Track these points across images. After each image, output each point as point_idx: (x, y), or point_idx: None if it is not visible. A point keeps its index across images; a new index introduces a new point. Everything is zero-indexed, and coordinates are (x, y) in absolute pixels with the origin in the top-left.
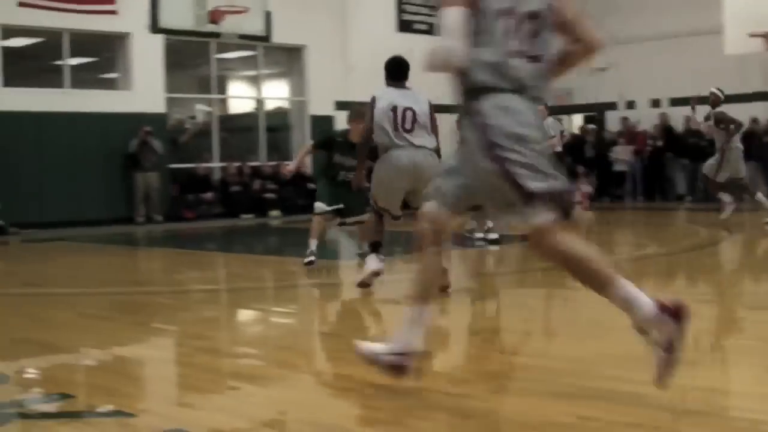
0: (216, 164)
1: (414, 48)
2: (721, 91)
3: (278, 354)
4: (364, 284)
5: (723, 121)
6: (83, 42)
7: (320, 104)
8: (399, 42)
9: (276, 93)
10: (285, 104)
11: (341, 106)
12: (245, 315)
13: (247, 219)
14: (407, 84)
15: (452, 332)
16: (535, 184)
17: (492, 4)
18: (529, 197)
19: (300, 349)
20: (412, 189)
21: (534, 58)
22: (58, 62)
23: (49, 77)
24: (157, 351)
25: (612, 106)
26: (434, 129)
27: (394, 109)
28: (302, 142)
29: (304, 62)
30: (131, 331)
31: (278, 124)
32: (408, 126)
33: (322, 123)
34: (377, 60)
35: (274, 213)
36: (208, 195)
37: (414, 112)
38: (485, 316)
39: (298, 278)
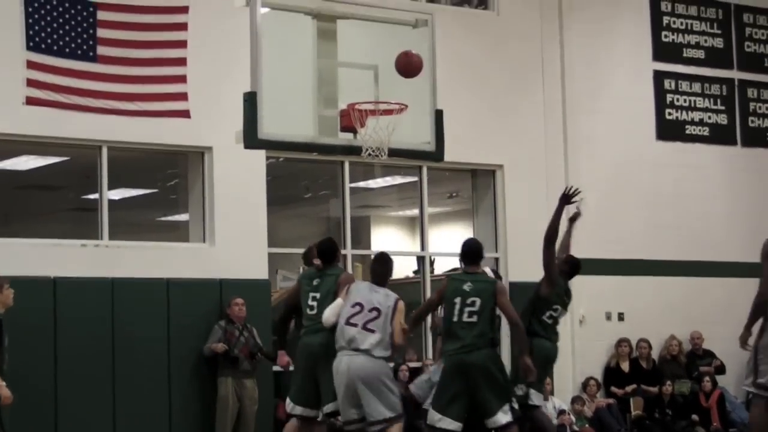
0: None
1: None
2: None
3: None
4: None
5: None
6: (131, 163)
7: (523, 264)
8: (663, 152)
9: (451, 246)
10: None
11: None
12: None
13: None
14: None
15: None
16: None
17: None
18: None
19: None
20: None
21: None
22: (90, 196)
23: (75, 220)
24: None
25: None
26: None
27: None
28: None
29: (497, 193)
30: None
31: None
32: None
33: (525, 294)
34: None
35: None
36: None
37: None
38: None
39: None
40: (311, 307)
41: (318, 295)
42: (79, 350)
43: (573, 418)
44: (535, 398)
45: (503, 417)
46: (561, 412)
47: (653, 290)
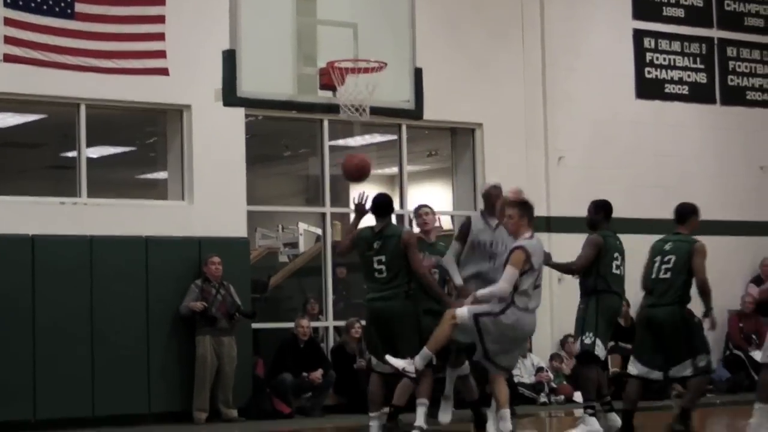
0: (329, 323)
1: None
2: None
3: None
4: None
5: None
6: (109, 121)
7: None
8: (642, 110)
9: (430, 202)
10: (446, 221)
11: (541, 222)
12: None
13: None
14: None
15: None
16: None
17: None
18: None
19: None
20: None
21: None
22: (68, 154)
23: (53, 178)
24: None
25: None
26: None
27: None
28: None
29: (476, 152)
30: None
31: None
32: None
33: None
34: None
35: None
36: (316, 374)
37: None
38: None
39: None
40: (379, 271)
41: (383, 258)
42: (58, 307)
43: (551, 375)
44: (599, 350)
45: (683, 369)
46: (539, 370)
47: (632, 248)
